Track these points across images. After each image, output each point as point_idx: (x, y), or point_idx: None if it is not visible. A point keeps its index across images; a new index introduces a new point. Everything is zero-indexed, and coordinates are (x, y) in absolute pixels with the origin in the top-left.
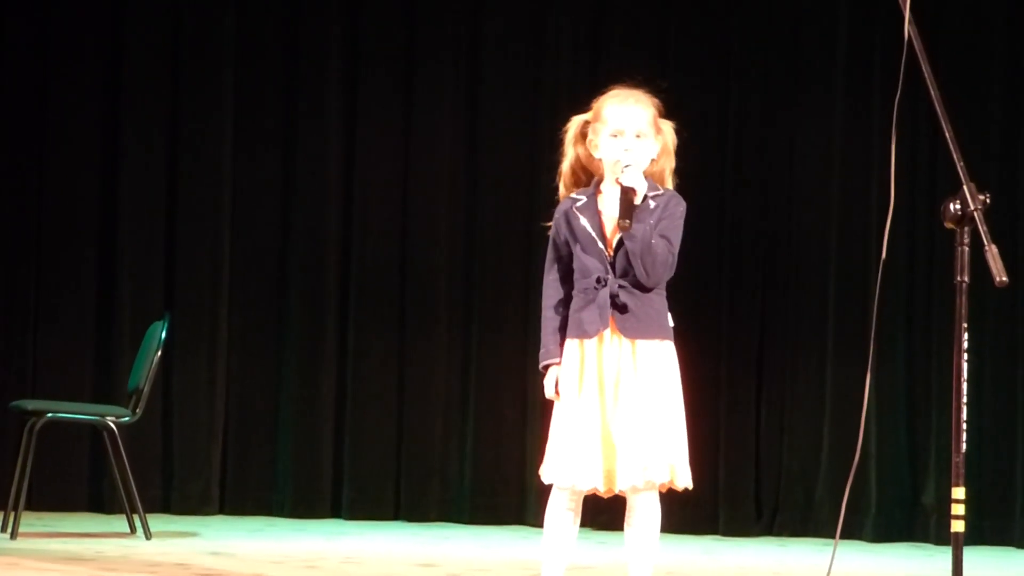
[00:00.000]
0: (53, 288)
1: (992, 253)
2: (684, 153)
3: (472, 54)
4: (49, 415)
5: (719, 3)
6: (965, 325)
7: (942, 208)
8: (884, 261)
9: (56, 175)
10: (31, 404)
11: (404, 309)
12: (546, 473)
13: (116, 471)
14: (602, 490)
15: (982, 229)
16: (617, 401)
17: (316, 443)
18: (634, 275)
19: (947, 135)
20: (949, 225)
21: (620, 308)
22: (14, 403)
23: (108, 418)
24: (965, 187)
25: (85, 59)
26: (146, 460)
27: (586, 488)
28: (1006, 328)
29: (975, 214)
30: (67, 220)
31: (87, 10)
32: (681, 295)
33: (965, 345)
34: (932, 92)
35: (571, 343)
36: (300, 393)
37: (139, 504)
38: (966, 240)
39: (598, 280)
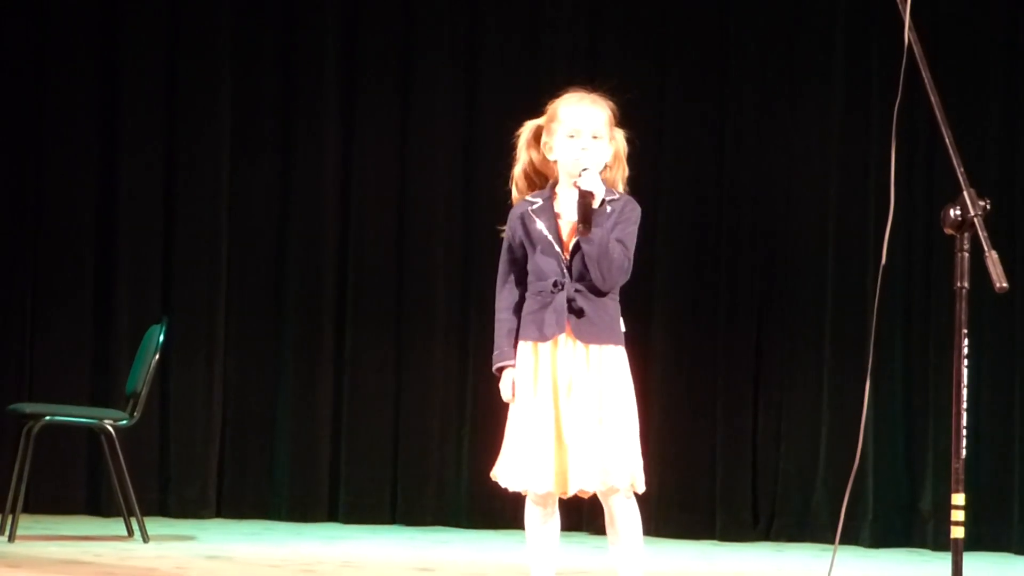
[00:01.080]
0: (51, 291)
1: (992, 259)
2: (680, 157)
3: (470, 61)
4: (47, 418)
5: (716, 9)
6: (965, 331)
7: (942, 214)
8: (884, 266)
9: (54, 180)
10: (29, 407)
11: (401, 314)
12: (500, 475)
13: (114, 474)
14: (555, 492)
15: (982, 235)
16: (570, 404)
17: (313, 447)
18: (590, 279)
19: (947, 140)
20: (949, 231)
21: (576, 312)
22: (12, 406)
23: (106, 421)
24: (965, 193)
25: (82, 66)
26: (143, 463)
27: (540, 491)
28: (1005, 334)
29: (975, 220)
30: (65, 224)
31: (83, 18)
32: (678, 301)
33: (965, 351)
34: (932, 97)
35: (525, 345)
36: (297, 397)
37: (136, 507)
38: (966, 246)
39: (555, 284)
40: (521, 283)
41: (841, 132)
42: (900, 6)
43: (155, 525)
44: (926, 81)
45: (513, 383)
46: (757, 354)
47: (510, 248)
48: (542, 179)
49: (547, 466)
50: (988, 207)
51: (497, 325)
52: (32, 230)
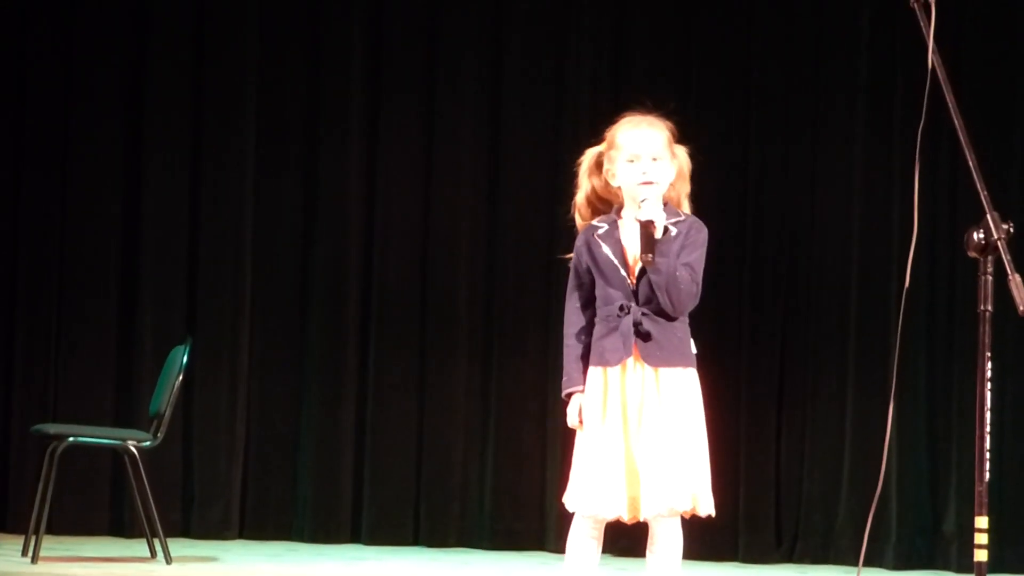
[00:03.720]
0: (75, 312)
1: (1015, 282)
2: (704, 181)
3: (494, 82)
4: (71, 439)
5: (740, 31)
6: (989, 354)
7: (966, 237)
8: (907, 289)
9: (79, 201)
10: (53, 428)
11: (425, 335)
12: (570, 501)
13: (137, 495)
14: (626, 518)
15: (1005, 258)
16: (640, 429)
17: (336, 468)
18: (657, 302)
19: (971, 163)
20: (972, 254)
21: (643, 336)
22: (36, 427)
23: (129, 442)
24: (988, 216)
25: (108, 87)
26: (167, 484)
27: (610, 516)
28: None
29: (999, 243)
30: (89, 245)
31: (110, 39)
32: (702, 323)
33: (988, 374)
34: (956, 121)
35: (594, 371)
36: (320, 418)
37: (159, 528)
38: (989, 269)
39: (621, 308)
40: (588, 308)
41: (865, 155)
42: (924, 29)
43: (178, 546)
44: (950, 104)
45: (580, 409)
46: (781, 376)
47: (576, 274)
48: (605, 205)
49: (619, 492)
50: (1011, 230)
51: (565, 351)
52: (56, 251)
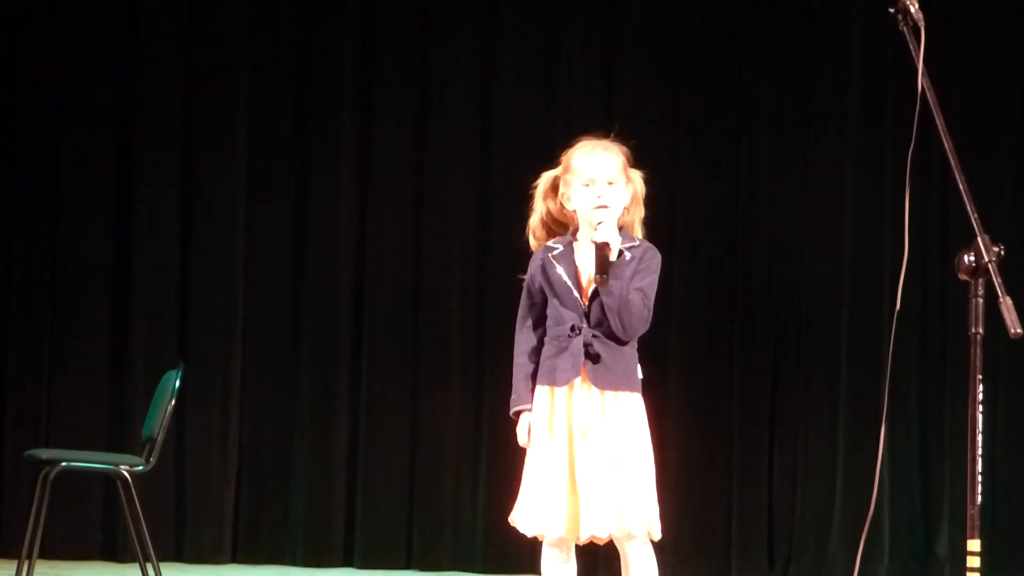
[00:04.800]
0: (67, 337)
1: (1007, 305)
2: (694, 203)
3: (485, 107)
4: (63, 464)
5: (730, 53)
6: (980, 377)
7: (956, 260)
8: (898, 312)
9: (70, 224)
10: (45, 453)
11: (417, 358)
12: (517, 520)
13: (129, 520)
14: (568, 538)
15: (996, 281)
16: (586, 449)
17: (329, 492)
18: (608, 325)
19: (961, 186)
20: (963, 277)
21: (593, 358)
22: (28, 452)
23: (122, 467)
24: (979, 238)
25: (99, 107)
26: (159, 509)
27: (552, 536)
28: (1020, 379)
29: (989, 266)
30: (81, 268)
31: (101, 60)
32: (694, 345)
33: (980, 397)
34: (946, 143)
35: (541, 390)
36: (313, 442)
37: (152, 553)
38: (980, 292)
39: (572, 328)
40: (539, 328)
41: (855, 178)
42: (913, 52)
43: (171, 571)
44: (940, 127)
45: (529, 427)
46: (772, 398)
47: (530, 293)
48: (560, 228)
49: (560, 511)
50: (1002, 252)
51: (515, 369)
52: (48, 275)
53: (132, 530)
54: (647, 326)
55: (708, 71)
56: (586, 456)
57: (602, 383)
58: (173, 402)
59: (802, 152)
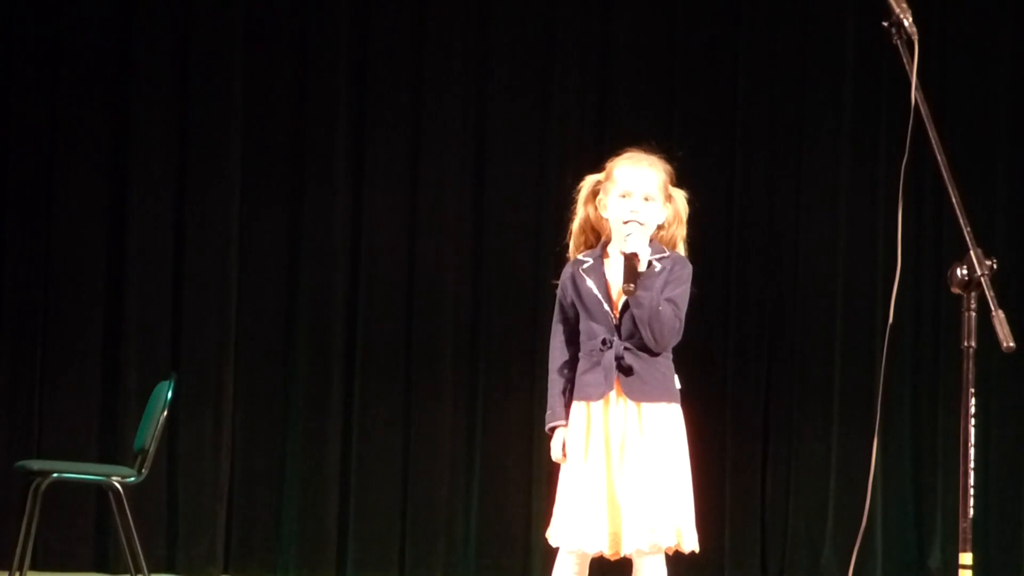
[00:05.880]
0: (59, 348)
1: (999, 318)
2: (688, 215)
3: (479, 117)
4: (55, 475)
5: (724, 66)
6: (972, 390)
7: (949, 273)
8: (891, 325)
9: (63, 235)
10: (37, 464)
11: (410, 370)
12: (553, 536)
13: (121, 531)
14: (608, 553)
15: (989, 294)
16: (623, 464)
17: (321, 503)
18: (640, 337)
19: (954, 199)
20: (956, 290)
21: (625, 371)
22: (20, 463)
23: (114, 478)
24: (972, 252)
25: (93, 118)
26: (151, 520)
27: (592, 551)
28: (1012, 393)
29: (982, 279)
30: (73, 280)
31: (95, 68)
32: (687, 357)
33: (972, 410)
34: (939, 156)
35: (577, 405)
36: (305, 453)
37: (144, 564)
38: (973, 305)
39: (603, 342)
40: (573, 343)
41: (849, 190)
42: (907, 66)
43: None
44: (933, 140)
45: (564, 443)
46: (766, 410)
47: (561, 307)
48: (597, 235)
49: (600, 527)
50: (995, 266)
51: (550, 385)
52: (41, 286)
53: (124, 541)
54: (679, 337)
55: (702, 84)
56: (624, 470)
57: (636, 395)
58: (165, 413)
59: (796, 164)
